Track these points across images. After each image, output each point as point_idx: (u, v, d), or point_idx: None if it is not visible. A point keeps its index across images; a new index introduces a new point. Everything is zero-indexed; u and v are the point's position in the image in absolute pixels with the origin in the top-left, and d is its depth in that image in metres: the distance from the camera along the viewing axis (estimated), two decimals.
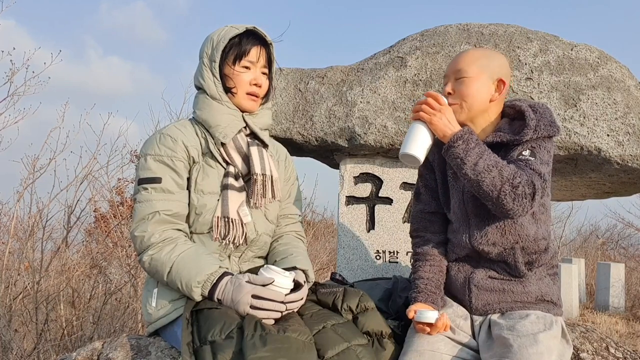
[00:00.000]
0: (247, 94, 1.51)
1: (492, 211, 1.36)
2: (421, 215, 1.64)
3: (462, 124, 1.44)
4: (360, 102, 2.45)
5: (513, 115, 1.48)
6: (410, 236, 1.67)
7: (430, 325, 1.32)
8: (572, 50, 2.39)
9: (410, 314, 1.37)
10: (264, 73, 1.54)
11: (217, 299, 1.30)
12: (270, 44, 1.54)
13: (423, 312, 1.32)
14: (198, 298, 1.31)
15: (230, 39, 1.48)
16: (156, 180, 1.39)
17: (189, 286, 1.30)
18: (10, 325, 3.12)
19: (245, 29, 1.49)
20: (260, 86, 1.52)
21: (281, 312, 1.28)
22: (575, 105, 2.28)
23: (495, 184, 1.29)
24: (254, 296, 1.25)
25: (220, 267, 1.34)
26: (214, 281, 1.30)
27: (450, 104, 1.43)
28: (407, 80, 2.44)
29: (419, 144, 1.39)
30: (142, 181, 1.41)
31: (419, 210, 1.66)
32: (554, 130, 1.39)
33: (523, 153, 1.36)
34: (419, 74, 2.44)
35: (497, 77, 1.45)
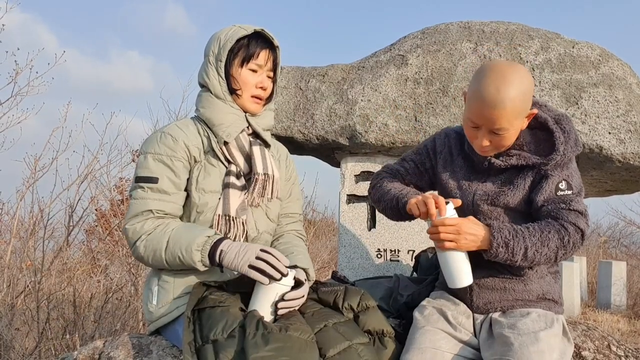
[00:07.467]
0: (252, 96, 1.51)
1: None
2: (394, 172, 1.65)
3: None
4: (361, 100, 2.44)
5: (534, 126, 1.42)
6: (374, 178, 1.68)
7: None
8: (573, 48, 2.39)
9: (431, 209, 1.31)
10: (269, 76, 1.54)
11: (218, 259, 1.30)
12: (277, 47, 1.53)
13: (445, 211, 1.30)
14: (198, 262, 1.31)
15: (238, 40, 1.47)
16: (153, 180, 1.39)
17: (189, 251, 1.30)
18: (12, 324, 3.13)
19: (253, 31, 1.49)
20: (265, 89, 1.53)
21: (276, 279, 1.26)
22: (577, 103, 2.28)
23: (550, 256, 1.32)
24: (258, 257, 1.26)
25: (216, 233, 1.36)
26: (215, 241, 1.31)
27: (483, 151, 1.39)
28: (408, 78, 2.44)
29: (464, 271, 1.32)
30: (139, 179, 1.41)
31: (395, 169, 1.66)
32: (578, 150, 1.39)
33: (560, 187, 1.35)
34: (420, 72, 2.43)
35: (530, 112, 1.35)
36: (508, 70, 1.27)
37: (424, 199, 1.33)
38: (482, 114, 1.28)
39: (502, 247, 1.29)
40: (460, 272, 1.32)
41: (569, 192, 1.34)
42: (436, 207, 1.30)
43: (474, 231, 1.29)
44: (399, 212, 1.49)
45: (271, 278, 1.25)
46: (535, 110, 1.36)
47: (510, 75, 1.26)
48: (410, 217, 1.48)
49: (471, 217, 1.33)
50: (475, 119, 1.31)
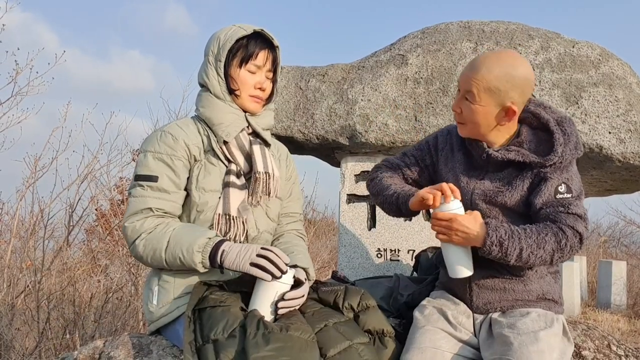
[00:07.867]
0: (251, 96, 1.51)
1: None
2: (394, 167, 1.64)
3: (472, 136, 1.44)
4: (361, 100, 2.44)
5: (537, 126, 1.42)
6: (373, 170, 1.68)
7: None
8: (573, 47, 2.39)
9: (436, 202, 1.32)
10: (268, 77, 1.54)
11: (220, 260, 1.30)
12: (277, 47, 1.53)
13: (449, 206, 1.31)
14: (199, 263, 1.31)
15: (238, 40, 1.47)
16: (152, 178, 1.39)
17: (190, 252, 1.30)
18: (12, 324, 3.13)
19: (252, 31, 1.49)
20: (264, 90, 1.53)
21: (277, 277, 1.27)
22: (577, 103, 2.28)
23: (545, 258, 1.31)
24: (259, 255, 1.27)
25: (217, 235, 1.36)
26: (216, 242, 1.32)
27: (458, 122, 1.44)
28: (408, 78, 2.44)
29: (462, 263, 1.34)
30: (138, 177, 1.41)
31: (395, 164, 1.65)
32: (579, 153, 1.38)
33: (559, 190, 1.34)
34: (419, 71, 2.43)
35: (508, 104, 1.33)
36: (508, 53, 1.36)
37: (439, 186, 1.34)
38: (463, 73, 1.39)
39: (495, 245, 1.29)
40: (459, 263, 1.34)
41: (568, 195, 1.34)
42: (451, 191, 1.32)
43: (465, 229, 1.29)
44: (399, 208, 1.49)
45: (272, 275, 1.25)
46: (515, 108, 1.35)
47: (505, 55, 1.35)
48: (408, 213, 1.49)
49: (474, 213, 1.33)
50: (460, 78, 1.40)
